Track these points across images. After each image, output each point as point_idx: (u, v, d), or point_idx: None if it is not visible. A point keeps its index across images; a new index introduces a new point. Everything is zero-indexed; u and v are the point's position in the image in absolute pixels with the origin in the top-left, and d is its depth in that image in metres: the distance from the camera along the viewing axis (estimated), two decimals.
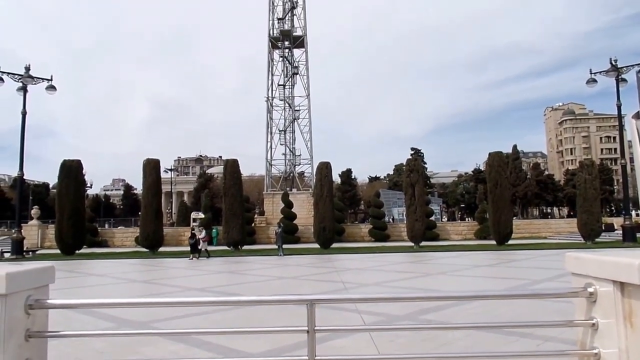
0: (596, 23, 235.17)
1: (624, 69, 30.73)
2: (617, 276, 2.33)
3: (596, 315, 2.49)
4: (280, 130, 61.23)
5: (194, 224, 46.90)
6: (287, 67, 62.17)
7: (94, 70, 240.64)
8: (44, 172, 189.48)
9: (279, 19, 62.04)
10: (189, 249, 28.93)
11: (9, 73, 29.86)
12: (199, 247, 28.07)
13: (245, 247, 35.33)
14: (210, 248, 33.97)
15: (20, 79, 30.12)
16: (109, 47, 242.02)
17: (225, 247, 34.39)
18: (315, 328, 2.54)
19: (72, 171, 32.87)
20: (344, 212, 58.61)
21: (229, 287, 15.19)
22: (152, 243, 32.69)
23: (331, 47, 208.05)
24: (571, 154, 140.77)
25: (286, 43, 62.01)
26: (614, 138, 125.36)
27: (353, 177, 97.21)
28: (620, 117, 34.65)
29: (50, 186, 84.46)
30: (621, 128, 37.20)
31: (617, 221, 40.50)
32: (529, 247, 30.26)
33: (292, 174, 62.10)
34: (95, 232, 45.38)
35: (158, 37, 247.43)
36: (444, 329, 7.48)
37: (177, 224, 63.65)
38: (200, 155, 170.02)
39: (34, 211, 45.96)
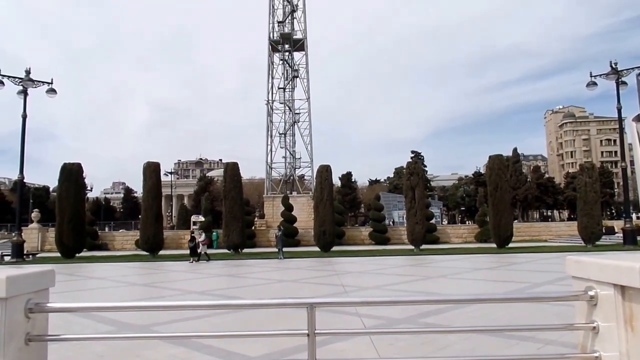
0: (596, 26, 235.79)
1: (624, 71, 30.76)
2: (618, 280, 2.33)
3: (597, 318, 2.49)
4: (280, 134, 61.26)
5: (194, 227, 46.95)
6: (287, 70, 62.24)
7: (93, 72, 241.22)
8: (44, 175, 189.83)
9: (279, 22, 62.13)
10: (189, 252, 28.90)
11: (9, 76, 29.90)
12: (199, 251, 28.04)
13: (246, 250, 35.31)
14: (210, 251, 33.96)
15: (20, 82, 30.17)
16: (109, 50, 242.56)
17: (226, 250, 34.37)
18: (316, 331, 2.54)
19: (72, 174, 32.89)
20: (344, 215, 58.60)
21: (229, 290, 15.18)
22: (152, 246, 32.70)
23: (331, 50, 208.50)
24: (571, 157, 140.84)
25: (286, 46, 62.09)
26: (615, 141, 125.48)
27: (353, 180, 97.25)
28: (620, 120, 34.65)
29: (51, 189, 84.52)
30: (621, 131, 37.18)
31: (618, 224, 40.48)
32: (529, 250, 30.24)
33: (292, 177, 62.09)
34: (95, 236, 45.35)
35: (158, 40, 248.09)
36: (444, 333, 7.48)
37: (178, 227, 63.64)
38: (201, 159, 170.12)
39: (34, 214, 45.95)
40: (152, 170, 34.09)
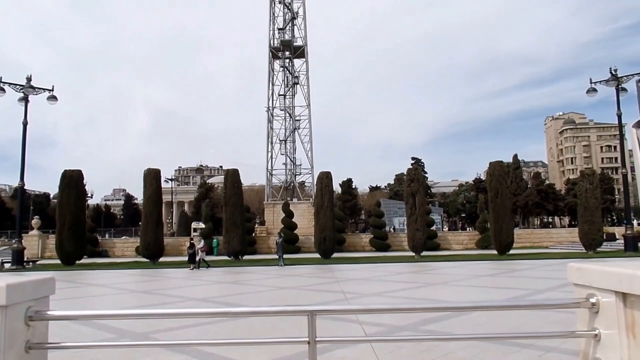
0: (595, 33, 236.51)
1: (624, 78, 30.85)
2: (620, 287, 2.33)
3: (598, 326, 2.48)
4: (280, 140, 61.33)
5: (195, 233, 46.91)
6: (287, 77, 62.42)
7: (94, 79, 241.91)
8: (44, 182, 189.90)
9: (279, 29, 62.35)
10: (187, 259, 28.79)
11: (10, 83, 30.01)
12: (197, 258, 27.94)
13: (246, 257, 35.26)
14: (211, 258, 33.94)
15: (21, 89, 30.26)
16: (110, 56, 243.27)
17: (226, 257, 34.32)
18: (317, 339, 2.53)
19: (72, 181, 32.91)
20: (344, 221, 58.57)
21: (229, 298, 15.15)
22: (153, 253, 32.66)
23: (331, 57, 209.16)
24: (572, 163, 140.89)
25: (287, 53, 62.29)
26: (615, 147, 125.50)
27: (353, 186, 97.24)
28: (620, 126, 34.72)
29: (51, 196, 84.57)
30: (622, 137, 37.25)
31: (619, 231, 40.45)
32: (530, 256, 30.19)
33: (292, 184, 62.09)
34: (95, 242, 45.31)
35: (159, 47, 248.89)
36: (446, 340, 7.45)
37: (178, 233, 63.64)
38: (201, 165, 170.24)
39: (35, 221, 45.93)
40: (152, 177, 34.12)
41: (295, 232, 45.33)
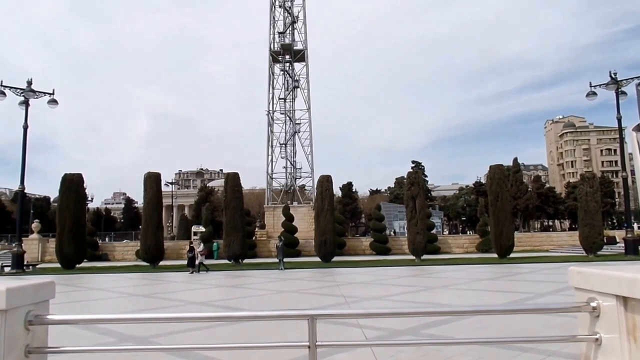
0: (594, 36, 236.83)
1: (624, 81, 30.89)
2: (621, 291, 2.32)
3: (600, 330, 2.47)
4: (281, 144, 61.38)
5: (195, 237, 46.87)
6: (287, 80, 62.52)
7: (94, 82, 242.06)
8: (45, 185, 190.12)
9: (279, 33, 62.50)
10: (186, 262, 28.75)
11: (11, 87, 30.06)
12: (197, 261, 27.89)
13: (246, 260, 35.23)
14: (211, 262, 33.90)
15: (22, 93, 30.30)
16: (110, 60, 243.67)
17: (226, 261, 34.29)
18: (317, 343, 2.52)
19: (73, 185, 32.92)
20: (344, 225, 58.54)
21: (230, 301, 15.12)
22: (153, 257, 32.63)
23: (332, 60, 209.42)
24: (572, 166, 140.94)
25: (287, 57, 62.40)
26: (615, 151, 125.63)
27: (354, 190, 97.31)
28: (620, 129, 34.74)
29: (51, 200, 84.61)
30: (622, 141, 37.27)
31: (619, 234, 40.42)
32: (530, 260, 30.14)
33: (293, 187, 62.09)
34: (95, 246, 45.31)
35: (159, 50, 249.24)
36: (446, 344, 7.43)
37: (178, 237, 63.60)
38: (201, 169, 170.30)
39: (35, 225, 45.93)
40: (152, 181, 34.13)
41: (296, 235, 45.30)
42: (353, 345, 7.20)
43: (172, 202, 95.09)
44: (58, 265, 32.54)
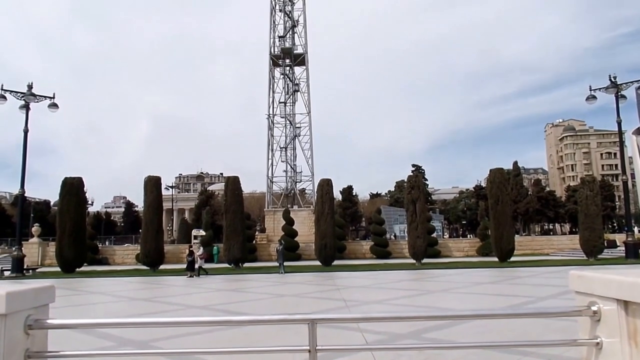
0: (594, 40, 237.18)
1: (623, 85, 30.94)
2: (621, 295, 2.32)
3: (600, 334, 2.47)
4: (281, 147, 61.47)
5: (195, 241, 46.84)
6: (288, 84, 62.65)
7: (95, 86, 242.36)
8: (45, 189, 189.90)
9: (280, 37, 62.68)
10: (186, 266, 28.67)
11: (11, 91, 30.10)
12: (196, 265, 27.83)
13: (246, 264, 35.20)
14: (211, 265, 33.86)
15: (22, 97, 30.33)
16: (111, 63, 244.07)
17: (227, 265, 34.26)
18: (317, 347, 2.52)
19: (73, 188, 32.92)
20: (345, 229, 58.50)
21: (230, 305, 15.09)
22: (153, 261, 32.59)
23: (332, 64, 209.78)
24: (572, 170, 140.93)
25: (287, 61, 62.55)
26: (615, 154, 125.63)
27: (354, 193, 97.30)
28: (620, 133, 34.76)
29: (52, 203, 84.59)
30: (622, 144, 37.30)
31: (620, 237, 40.38)
32: (531, 264, 30.11)
33: (293, 191, 62.13)
34: (96, 250, 45.26)
35: (159, 53, 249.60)
36: (447, 348, 7.41)
37: (178, 241, 63.58)
38: (201, 173, 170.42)
39: (35, 229, 45.91)
40: (152, 184, 34.12)
41: (296, 239, 45.28)
42: (353, 350, 7.18)
43: (173, 205, 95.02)
44: (58, 269, 32.49)
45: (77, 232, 32.07)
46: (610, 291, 2.39)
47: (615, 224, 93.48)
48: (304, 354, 2.54)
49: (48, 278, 28.69)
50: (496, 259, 32.30)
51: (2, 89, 29.54)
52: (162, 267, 33.33)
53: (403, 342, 8.06)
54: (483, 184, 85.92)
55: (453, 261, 35.92)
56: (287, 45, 62.14)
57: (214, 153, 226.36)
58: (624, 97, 31.10)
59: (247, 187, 51.55)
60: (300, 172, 62.15)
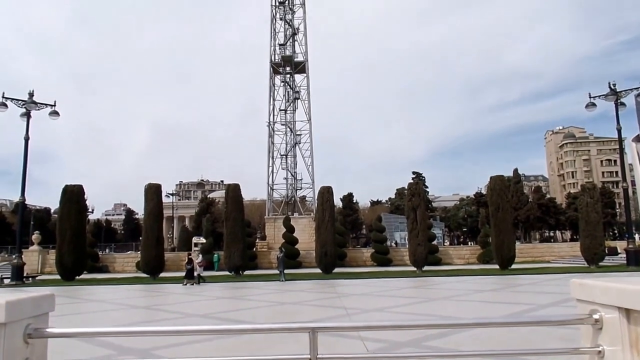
0: (593, 48, 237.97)
1: (623, 93, 31.01)
2: (623, 303, 2.31)
3: (602, 342, 2.46)
4: (281, 155, 61.52)
5: (195, 248, 46.80)
6: (288, 92, 62.81)
7: (95, 93, 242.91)
8: (45, 196, 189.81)
9: (280, 45, 62.91)
10: (185, 274, 28.58)
11: (12, 99, 30.18)
12: (195, 273, 27.75)
13: (247, 272, 35.13)
14: (211, 273, 33.79)
15: (24, 104, 30.41)
16: (111, 71, 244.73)
17: (227, 272, 34.19)
18: (318, 356, 2.51)
19: (73, 196, 32.93)
20: (345, 236, 58.44)
21: (230, 313, 15.05)
22: (153, 268, 32.53)
23: (332, 71, 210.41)
24: (572, 177, 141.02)
25: (287, 68, 62.76)
26: (615, 161, 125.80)
27: (354, 201, 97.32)
28: (620, 140, 34.79)
29: (52, 211, 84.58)
30: (622, 151, 37.33)
31: (621, 245, 40.33)
32: (532, 271, 30.03)
33: (293, 198, 62.10)
34: (96, 258, 45.18)
35: (160, 61, 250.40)
36: (449, 357, 7.36)
37: (179, 248, 63.44)
38: (202, 180, 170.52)
39: (35, 236, 45.86)
40: (153, 192, 34.12)
41: (296, 246, 45.22)
42: (354, 358, 7.13)
43: (173, 213, 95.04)
44: (58, 277, 32.43)
45: (77, 240, 32.04)
46: (611, 299, 2.38)
47: (616, 231, 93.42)
48: None
49: (48, 286, 28.63)
50: (497, 267, 32.23)
51: (3, 97, 29.63)
52: (162, 274, 33.26)
53: (404, 350, 8.03)
54: (483, 191, 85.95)
55: (454, 269, 35.85)
56: (288, 53, 62.37)
57: (215, 160, 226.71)
58: (623, 104, 31.16)
59: (247, 195, 51.55)
60: (301, 179, 62.22)
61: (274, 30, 63.38)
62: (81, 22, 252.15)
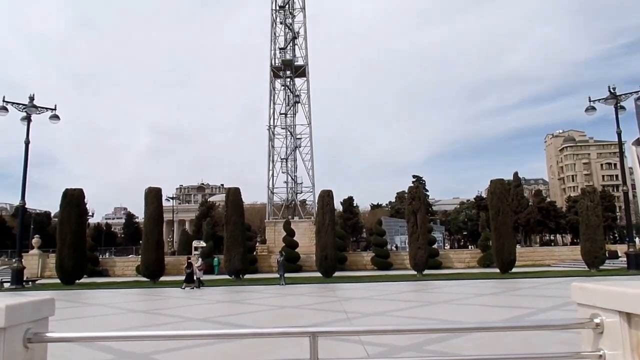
0: (593, 51, 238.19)
1: (622, 96, 31.03)
2: (624, 307, 2.31)
3: (603, 346, 2.45)
4: (282, 159, 61.53)
5: (196, 252, 46.77)
6: (288, 95, 62.88)
7: (96, 98, 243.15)
8: (45, 200, 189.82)
9: (280, 49, 63.03)
10: (184, 278, 28.54)
11: (13, 103, 30.22)
12: (195, 277, 27.72)
13: (247, 276, 35.07)
14: (211, 277, 33.73)
15: (24, 108, 30.44)
16: (111, 74, 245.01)
17: (227, 276, 34.15)
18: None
19: (73, 200, 32.94)
20: (346, 240, 58.42)
21: (230, 317, 15.03)
22: (153, 272, 32.49)
23: (332, 76, 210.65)
24: (572, 180, 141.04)
25: (288, 72, 62.83)
26: (615, 165, 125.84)
27: (355, 204, 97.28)
28: (620, 144, 34.80)
29: (52, 215, 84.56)
30: (622, 155, 37.33)
31: (621, 248, 40.26)
32: (532, 275, 30.00)
33: (294, 202, 62.08)
34: (96, 261, 45.14)
35: (160, 65, 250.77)
36: None
37: (179, 252, 63.42)
38: (202, 184, 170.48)
39: (35, 240, 45.84)
40: (153, 196, 34.11)
41: (297, 250, 45.19)
42: None
43: (173, 217, 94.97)
44: (58, 280, 32.40)
45: (77, 244, 32.02)
46: (612, 303, 2.38)
47: (616, 235, 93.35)
48: None
49: (48, 290, 28.59)
50: (497, 270, 32.19)
51: (4, 101, 29.66)
52: (162, 278, 33.22)
53: (404, 354, 8.01)
54: (484, 195, 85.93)
55: (454, 272, 35.79)
56: (288, 57, 62.49)
57: (215, 164, 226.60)
58: (623, 108, 31.19)
59: (247, 198, 51.59)
60: (301, 183, 62.23)
61: (274, 34, 63.51)
62: (81, 23, 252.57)
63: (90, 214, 57.60)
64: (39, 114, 31.15)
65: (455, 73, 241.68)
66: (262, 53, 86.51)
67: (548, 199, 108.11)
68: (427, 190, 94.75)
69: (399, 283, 27.43)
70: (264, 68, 64.94)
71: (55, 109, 31.51)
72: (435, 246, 46.52)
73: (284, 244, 44.86)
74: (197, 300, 20.76)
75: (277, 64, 62.51)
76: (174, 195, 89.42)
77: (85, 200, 34.89)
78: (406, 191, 37.77)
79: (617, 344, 2.37)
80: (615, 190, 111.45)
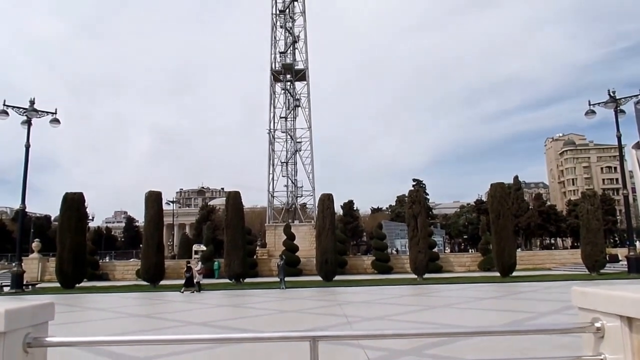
0: (593, 55, 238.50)
1: (622, 100, 31.06)
2: (625, 311, 2.30)
3: (604, 351, 2.44)
4: (282, 162, 61.57)
5: (196, 256, 46.74)
6: (289, 99, 62.96)
7: (96, 102, 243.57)
8: (45, 204, 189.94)
9: (280, 53, 63.15)
10: (184, 282, 28.48)
11: (13, 107, 30.25)
12: (195, 281, 27.67)
13: (247, 279, 35.04)
14: (212, 281, 33.67)
15: (24, 112, 30.47)
16: (112, 80, 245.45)
17: (227, 280, 34.11)
18: None
19: (74, 204, 32.92)
20: (346, 243, 58.36)
21: (231, 321, 15.00)
22: (153, 276, 32.43)
23: (333, 79, 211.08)
24: (573, 184, 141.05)
25: (288, 76, 62.94)
26: (615, 168, 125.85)
27: (355, 208, 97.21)
28: (620, 147, 34.80)
29: (52, 219, 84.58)
30: (622, 159, 37.36)
31: (622, 252, 40.23)
32: (533, 278, 29.95)
33: (294, 206, 62.06)
34: (96, 265, 45.09)
35: (160, 69, 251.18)
36: None
37: (179, 256, 63.38)
38: (202, 187, 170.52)
39: (35, 244, 45.79)
40: (153, 200, 34.10)
41: (297, 254, 45.14)
42: None
43: (173, 220, 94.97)
44: (58, 284, 32.35)
45: (77, 248, 31.99)
46: (613, 307, 2.37)
47: (617, 238, 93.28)
48: None
49: (48, 294, 28.57)
50: (498, 274, 32.15)
51: (4, 105, 29.70)
52: (162, 282, 33.17)
53: (405, 358, 8.00)
54: (484, 199, 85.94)
55: (455, 276, 35.76)
56: (288, 61, 62.59)
57: (215, 168, 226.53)
58: (623, 111, 31.21)
59: (248, 202, 51.54)
60: (301, 186, 62.25)
61: (275, 38, 63.65)
62: (82, 28, 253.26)
63: (90, 217, 57.56)
64: (39, 117, 31.18)
65: (455, 77, 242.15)
66: (263, 57, 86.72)
67: (548, 203, 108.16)
68: (427, 194, 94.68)
69: (400, 287, 27.41)
70: (264, 72, 65.12)
71: (55, 113, 31.57)
72: (435, 250, 46.46)
73: (284, 248, 44.81)
74: (197, 304, 20.73)
75: (277, 68, 62.62)
76: (174, 199, 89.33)
77: (86, 204, 34.87)
78: (406, 195, 37.74)
79: (618, 349, 2.36)
80: (615, 193, 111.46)
